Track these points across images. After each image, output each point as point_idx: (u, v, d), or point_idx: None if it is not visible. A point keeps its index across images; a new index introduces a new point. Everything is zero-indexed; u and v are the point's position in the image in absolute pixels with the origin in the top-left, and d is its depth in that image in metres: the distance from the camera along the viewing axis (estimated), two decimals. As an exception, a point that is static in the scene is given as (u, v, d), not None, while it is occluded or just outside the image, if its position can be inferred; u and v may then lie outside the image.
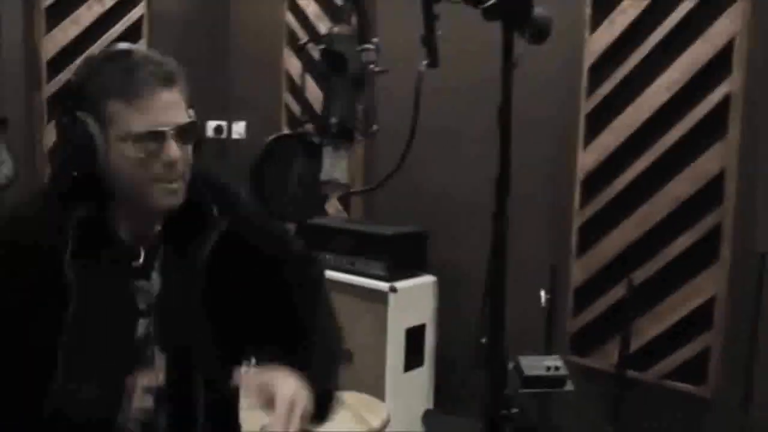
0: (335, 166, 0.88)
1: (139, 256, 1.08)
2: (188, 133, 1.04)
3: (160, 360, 1.10)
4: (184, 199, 1.06)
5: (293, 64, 3.69)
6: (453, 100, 2.95)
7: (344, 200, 3.53)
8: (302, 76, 0.90)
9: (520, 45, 1.24)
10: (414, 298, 3.06)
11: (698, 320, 2.52)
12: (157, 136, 0.99)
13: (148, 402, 1.08)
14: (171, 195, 1.03)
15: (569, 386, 1.38)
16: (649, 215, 2.61)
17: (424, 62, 0.95)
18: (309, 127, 0.93)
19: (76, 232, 1.02)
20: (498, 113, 1.25)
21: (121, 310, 1.08)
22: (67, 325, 1.01)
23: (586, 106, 2.72)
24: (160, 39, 3.70)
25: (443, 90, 2.80)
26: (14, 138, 3.17)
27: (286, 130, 3.67)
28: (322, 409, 1.15)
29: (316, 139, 0.89)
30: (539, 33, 1.27)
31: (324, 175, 0.88)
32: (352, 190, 0.87)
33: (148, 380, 1.08)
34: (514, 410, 1.36)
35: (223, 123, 4.00)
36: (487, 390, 1.37)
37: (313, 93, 3.31)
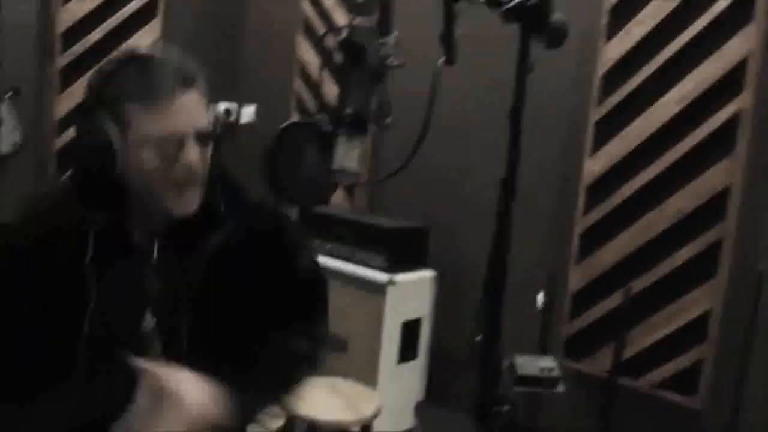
0: (347, 156, 0.90)
1: (152, 256, 1.09)
2: (207, 136, 1.03)
3: (158, 350, 1.12)
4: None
5: (306, 53, 3.71)
6: (466, 98, 2.96)
7: (349, 190, 3.55)
8: (320, 66, 0.90)
9: (536, 49, 1.25)
10: (412, 292, 3.08)
11: (692, 333, 2.54)
12: (176, 141, 0.98)
13: None
14: (187, 203, 1.03)
15: (561, 388, 1.40)
16: (651, 226, 2.62)
17: (441, 59, 0.96)
18: (322, 116, 0.94)
19: (96, 240, 1.02)
20: (509, 115, 1.27)
21: (134, 305, 1.10)
22: (86, 323, 1.03)
23: (596, 113, 2.73)
24: (175, 16, 3.71)
25: (457, 88, 2.82)
26: (25, 107, 3.20)
27: (295, 118, 3.68)
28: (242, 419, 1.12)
29: (328, 129, 0.91)
30: (556, 38, 1.28)
31: (336, 164, 0.89)
32: (361, 181, 0.89)
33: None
34: (506, 407, 1.39)
35: (233, 105, 4.01)
36: (480, 386, 1.39)
37: (328, 83, 3.31)
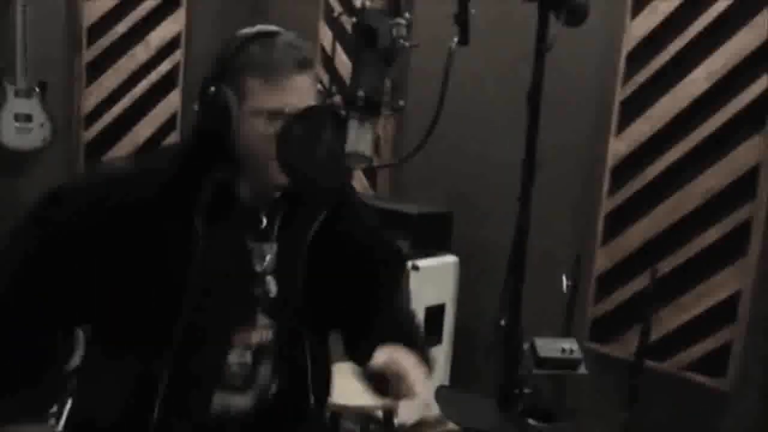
0: (360, 139, 0.89)
1: (261, 221, 1.15)
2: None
3: (263, 320, 1.18)
4: None
5: (328, 37, 3.70)
6: (486, 80, 2.93)
7: (371, 176, 3.55)
8: (332, 47, 0.91)
9: (556, 27, 1.23)
10: (435, 277, 3.08)
11: (721, 314, 2.50)
12: (287, 115, 1.03)
13: (248, 358, 1.16)
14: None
15: (583, 370, 1.38)
16: (678, 206, 2.58)
17: (455, 39, 0.95)
18: (337, 98, 0.94)
19: (210, 191, 1.08)
20: (527, 96, 1.25)
21: (239, 267, 1.15)
22: (191, 273, 1.08)
23: (622, 92, 2.68)
24: (198, 7, 3.73)
25: (476, 69, 2.79)
26: (53, 102, 3.25)
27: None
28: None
29: (342, 112, 0.91)
30: (575, 15, 1.26)
31: (348, 147, 0.89)
32: (375, 165, 0.89)
33: (252, 338, 1.16)
34: (527, 390, 1.38)
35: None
36: (501, 368, 1.39)
37: (344, 66, 3.32)
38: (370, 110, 0.89)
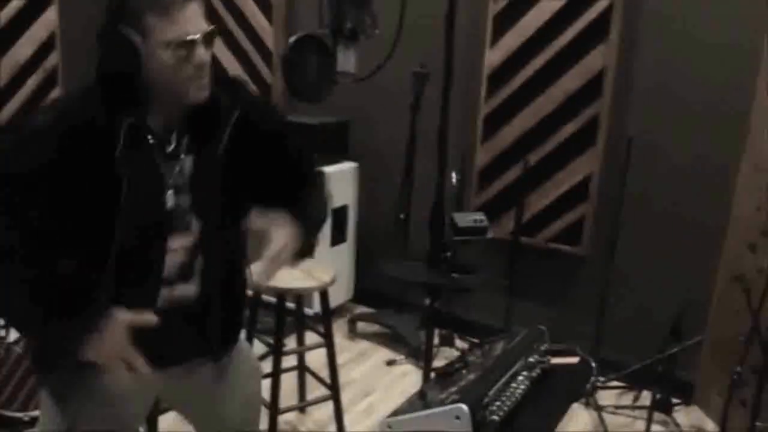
0: (347, 61, 1.16)
1: (169, 143, 1.31)
2: (212, 38, 1.26)
3: (195, 225, 1.37)
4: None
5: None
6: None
7: (267, 92, 3.72)
8: None
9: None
10: (338, 182, 3.41)
11: (576, 194, 3.07)
12: (188, 43, 1.18)
13: (182, 257, 1.37)
14: (202, 90, 1.25)
15: (490, 234, 1.80)
16: (542, 107, 3.06)
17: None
18: (324, 30, 1.20)
19: (126, 134, 1.23)
20: (445, 20, 1.57)
21: (153, 187, 1.32)
22: (120, 202, 1.24)
23: (494, 8, 3.06)
24: None
25: None
26: None
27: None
28: (304, 252, 1.46)
29: (328, 41, 1.17)
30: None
31: (339, 67, 1.16)
32: (354, 79, 1.16)
33: (184, 241, 1.36)
34: (449, 253, 1.78)
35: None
36: (430, 239, 1.77)
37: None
38: (353, 38, 1.16)
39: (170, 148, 1.32)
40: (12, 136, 1.30)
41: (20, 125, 1.32)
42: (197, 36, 1.21)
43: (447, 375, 1.20)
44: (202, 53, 1.23)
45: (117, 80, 1.22)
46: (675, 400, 2.81)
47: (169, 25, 1.18)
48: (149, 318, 1.24)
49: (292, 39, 1.19)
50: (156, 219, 1.33)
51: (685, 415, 2.82)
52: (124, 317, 1.22)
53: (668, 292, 2.89)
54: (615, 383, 2.94)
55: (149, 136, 1.29)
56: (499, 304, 3.14)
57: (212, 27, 1.25)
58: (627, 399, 2.92)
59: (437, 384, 1.19)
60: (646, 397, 2.80)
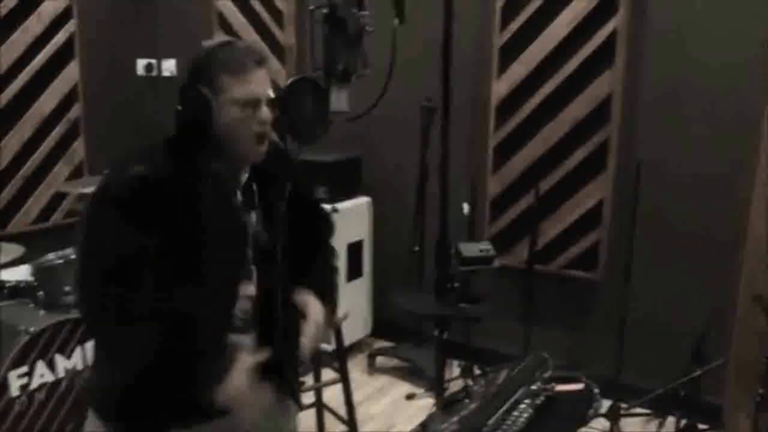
0: (340, 100, 1.21)
1: (237, 194, 1.41)
2: (274, 103, 1.36)
3: (254, 276, 1.45)
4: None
5: (224, 2, 3.85)
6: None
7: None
8: (318, 33, 1.11)
9: None
10: (352, 217, 3.45)
11: (590, 220, 3.07)
12: (255, 102, 1.32)
13: (247, 304, 1.44)
14: (261, 150, 1.37)
15: (496, 263, 1.82)
16: (551, 134, 3.09)
17: (396, 20, 1.28)
18: (318, 73, 1.25)
19: (209, 183, 1.34)
20: (441, 54, 1.62)
21: (237, 235, 1.42)
22: (204, 251, 1.33)
23: (499, 40, 3.12)
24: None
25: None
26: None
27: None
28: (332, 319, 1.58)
29: (322, 83, 1.22)
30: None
31: (333, 107, 1.21)
32: (348, 117, 1.20)
33: (249, 289, 1.44)
34: (456, 284, 1.80)
35: (153, 61, 4.11)
36: (436, 271, 1.79)
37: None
38: (345, 78, 1.21)
39: (241, 199, 1.42)
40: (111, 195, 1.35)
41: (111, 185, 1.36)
42: (262, 97, 1.33)
43: (451, 405, 1.20)
44: (265, 112, 1.34)
45: (191, 132, 1.34)
46: (702, 426, 2.74)
47: (239, 85, 1.31)
48: (265, 354, 1.34)
49: (287, 82, 1.25)
50: (235, 267, 1.42)
51: (713, 440, 2.76)
52: (247, 358, 1.32)
53: (688, 313, 2.85)
54: (639, 410, 2.89)
55: (225, 187, 1.39)
56: (518, 333, 3.12)
57: (274, 95, 1.35)
58: (652, 426, 2.86)
59: (441, 415, 1.20)
60: (671, 423, 2.74)
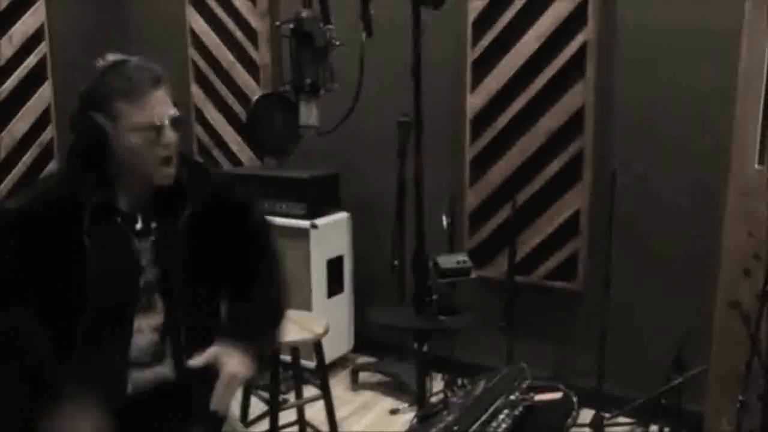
0: (309, 115, 1.21)
1: (137, 222, 1.35)
2: (178, 122, 1.32)
3: (160, 306, 1.37)
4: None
5: (197, 21, 3.85)
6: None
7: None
8: (288, 48, 1.10)
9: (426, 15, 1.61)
10: (332, 233, 3.44)
11: (568, 230, 3.08)
12: (156, 127, 1.26)
13: (155, 337, 1.37)
14: (168, 174, 1.32)
15: (473, 275, 1.81)
16: (526, 147, 3.11)
17: (363, 34, 1.29)
18: (286, 88, 1.25)
19: (92, 212, 1.28)
20: (411, 72, 1.62)
21: (127, 265, 1.35)
22: (88, 280, 1.27)
23: (472, 54, 3.15)
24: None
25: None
26: None
27: (194, 86, 3.84)
28: (260, 367, 1.45)
29: (291, 97, 1.22)
30: (437, 1, 1.64)
31: (302, 121, 1.21)
32: (320, 132, 1.20)
33: (151, 321, 1.37)
34: (435, 296, 1.79)
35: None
36: (415, 284, 1.78)
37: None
38: (313, 92, 1.21)
39: (139, 227, 1.36)
40: None
41: None
42: (163, 120, 1.27)
43: (429, 417, 1.19)
44: (170, 136, 1.29)
45: (86, 162, 1.28)
46: (685, 433, 2.75)
47: (136, 110, 1.25)
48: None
49: (254, 98, 1.24)
50: (125, 298, 1.34)
51: (696, 447, 2.76)
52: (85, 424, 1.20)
53: (668, 322, 2.87)
54: (622, 419, 2.89)
55: (117, 216, 1.33)
56: (500, 346, 3.11)
57: (178, 113, 1.31)
58: (636, 435, 2.86)
59: (419, 428, 1.19)
60: (654, 432, 2.75)
